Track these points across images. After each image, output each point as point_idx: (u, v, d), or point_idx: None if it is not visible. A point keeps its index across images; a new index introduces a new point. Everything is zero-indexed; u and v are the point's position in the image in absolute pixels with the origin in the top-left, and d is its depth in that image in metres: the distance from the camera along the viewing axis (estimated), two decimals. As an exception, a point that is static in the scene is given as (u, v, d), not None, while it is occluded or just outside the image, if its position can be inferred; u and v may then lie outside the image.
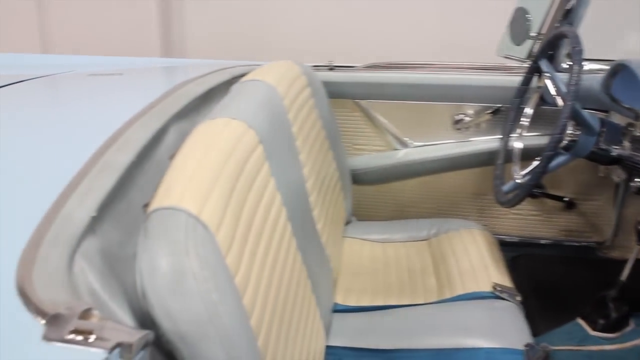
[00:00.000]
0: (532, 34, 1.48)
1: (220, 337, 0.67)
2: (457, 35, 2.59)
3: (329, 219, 1.39)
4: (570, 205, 1.74)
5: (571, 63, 1.10)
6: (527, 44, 1.51)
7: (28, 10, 2.95)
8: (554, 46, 1.38)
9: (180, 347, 0.66)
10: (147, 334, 0.54)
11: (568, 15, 1.41)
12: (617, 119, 1.41)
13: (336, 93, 1.67)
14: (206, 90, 1.20)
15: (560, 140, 1.14)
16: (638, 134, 1.21)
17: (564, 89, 1.17)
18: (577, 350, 1.27)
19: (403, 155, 1.74)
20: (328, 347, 1.17)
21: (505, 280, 1.33)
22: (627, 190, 1.65)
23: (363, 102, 1.71)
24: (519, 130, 1.46)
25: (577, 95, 1.08)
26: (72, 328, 0.50)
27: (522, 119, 1.47)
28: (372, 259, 1.52)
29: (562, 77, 1.24)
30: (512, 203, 1.25)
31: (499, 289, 1.28)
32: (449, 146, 1.72)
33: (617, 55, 1.36)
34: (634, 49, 1.93)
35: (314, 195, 1.26)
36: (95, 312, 0.53)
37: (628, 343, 1.22)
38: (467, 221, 1.61)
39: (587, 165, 1.55)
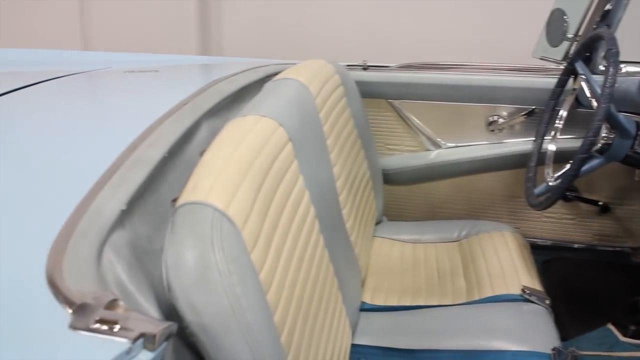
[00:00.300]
0: (569, 35, 1.46)
1: (242, 331, 0.67)
2: (492, 36, 2.57)
3: (359, 218, 1.39)
4: (604, 210, 1.70)
5: (607, 65, 1.09)
6: (564, 46, 1.49)
7: (71, 8, 3.04)
8: (591, 48, 1.37)
9: (204, 339, 0.66)
10: (170, 325, 0.54)
11: (606, 17, 1.40)
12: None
13: (369, 93, 1.67)
14: (239, 88, 1.22)
15: (594, 143, 1.13)
16: (675, 138, 1.18)
17: (598, 91, 1.16)
18: (606, 355, 1.25)
19: (435, 156, 1.74)
20: (354, 346, 1.18)
21: (535, 284, 1.32)
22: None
23: (396, 102, 1.71)
24: (552, 133, 1.45)
25: (612, 97, 1.07)
26: (97, 318, 0.50)
27: (556, 122, 1.45)
28: (402, 259, 1.53)
29: (598, 79, 1.22)
30: (543, 206, 1.24)
31: (528, 291, 1.27)
32: (482, 148, 1.71)
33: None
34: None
35: (343, 194, 1.27)
36: (121, 303, 0.54)
37: None
38: (499, 223, 1.60)
39: (623, 169, 1.52)
